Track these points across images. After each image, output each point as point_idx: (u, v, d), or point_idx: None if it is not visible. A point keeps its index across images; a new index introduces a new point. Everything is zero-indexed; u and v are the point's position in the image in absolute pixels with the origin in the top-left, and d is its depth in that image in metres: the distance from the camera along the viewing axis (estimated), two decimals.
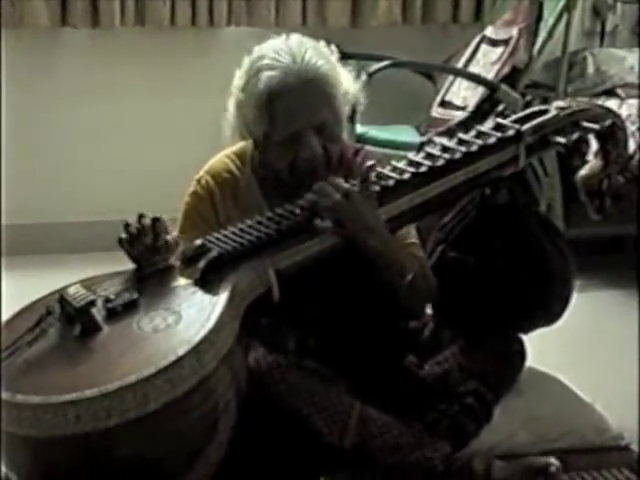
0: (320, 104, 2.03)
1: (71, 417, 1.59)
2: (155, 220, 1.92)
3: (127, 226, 1.93)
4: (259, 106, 2.03)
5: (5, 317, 1.89)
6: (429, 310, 2.20)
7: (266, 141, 2.07)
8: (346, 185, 1.94)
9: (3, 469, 1.77)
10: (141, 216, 1.93)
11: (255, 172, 2.16)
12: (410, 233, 2.10)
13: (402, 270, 1.99)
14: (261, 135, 2.07)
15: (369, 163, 2.00)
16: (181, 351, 1.63)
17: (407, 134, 3.85)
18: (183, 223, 2.16)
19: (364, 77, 2.19)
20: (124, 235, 1.92)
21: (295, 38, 2.07)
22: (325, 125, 2.04)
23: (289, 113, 2.02)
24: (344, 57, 2.15)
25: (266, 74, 2.02)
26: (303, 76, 2.01)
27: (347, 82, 2.10)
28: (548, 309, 2.17)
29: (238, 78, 2.09)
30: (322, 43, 2.09)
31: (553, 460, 1.96)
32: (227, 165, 2.18)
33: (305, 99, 2.02)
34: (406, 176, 1.99)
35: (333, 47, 2.11)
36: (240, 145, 2.20)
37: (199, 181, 2.17)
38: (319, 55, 2.05)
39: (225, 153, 2.21)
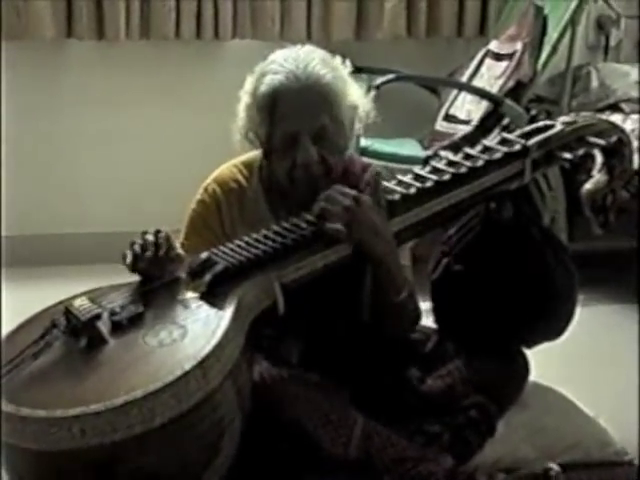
0: (319, 110, 2.03)
1: (76, 431, 1.59)
2: (157, 232, 1.93)
3: (132, 245, 1.93)
4: (262, 108, 2.05)
5: (6, 329, 1.89)
6: (433, 324, 2.21)
7: (268, 146, 2.08)
8: (354, 191, 1.94)
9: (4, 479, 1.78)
10: (145, 233, 1.94)
11: (262, 183, 2.17)
12: (404, 254, 2.08)
13: (399, 287, 2.00)
14: (265, 139, 2.08)
15: (376, 170, 2.00)
16: (187, 366, 1.63)
17: (411, 147, 3.85)
18: (188, 230, 2.17)
19: (373, 92, 2.18)
20: (129, 258, 1.92)
21: (307, 48, 2.10)
22: (324, 133, 2.03)
23: (287, 114, 2.02)
24: None
25: (269, 77, 2.04)
26: (303, 81, 2.02)
27: (356, 96, 2.10)
28: (552, 324, 2.17)
29: (248, 83, 2.12)
30: (337, 57, 2.11)
31: (552, 464, 1.97)
32: (235, 174, 2.18)
33: (303, 102, 2.02)
34: (412, 190, 1.99)
35: (347, 62, 2.12)
36: (249, 155, 2.20)
37: (206, 189, 2.18)
38: (325, 64, 2.06)
39: (233, 162, 2.21)
